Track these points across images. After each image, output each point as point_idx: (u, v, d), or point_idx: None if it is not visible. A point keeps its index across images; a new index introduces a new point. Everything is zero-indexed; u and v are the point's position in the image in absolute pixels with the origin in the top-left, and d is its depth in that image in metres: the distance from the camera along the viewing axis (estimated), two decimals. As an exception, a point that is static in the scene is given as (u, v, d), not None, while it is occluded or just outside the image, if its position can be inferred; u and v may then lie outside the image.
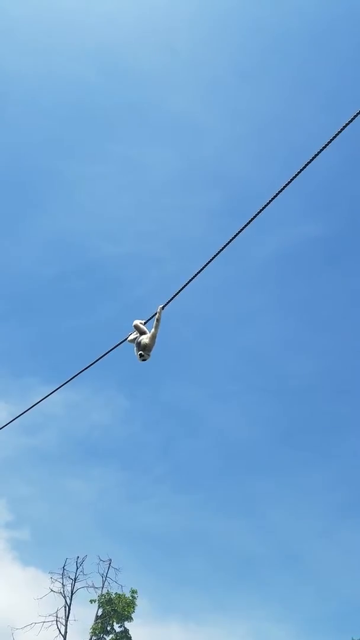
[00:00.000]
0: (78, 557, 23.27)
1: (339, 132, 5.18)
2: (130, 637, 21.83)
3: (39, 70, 40.75)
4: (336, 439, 45.02)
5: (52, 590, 22.43)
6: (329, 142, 5.12)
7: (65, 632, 21.50)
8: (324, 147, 5.16)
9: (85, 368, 7.04)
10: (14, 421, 8.06)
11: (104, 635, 21.75)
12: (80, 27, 39.59)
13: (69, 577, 22.79)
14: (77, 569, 22.97)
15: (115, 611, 21.90)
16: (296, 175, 5.37)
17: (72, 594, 22.45)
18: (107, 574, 22.86)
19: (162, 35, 39.86)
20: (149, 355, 6.79)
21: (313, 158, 5.16)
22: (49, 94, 41.95)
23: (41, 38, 39.35)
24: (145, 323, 7.10)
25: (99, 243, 47.03)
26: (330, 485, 42.16)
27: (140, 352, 6.79)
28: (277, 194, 5.43)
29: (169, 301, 6.56)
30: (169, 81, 41.62)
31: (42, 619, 21.63)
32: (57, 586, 22.56)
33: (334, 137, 5.21)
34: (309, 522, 40.63)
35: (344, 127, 5.16)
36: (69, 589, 22.53)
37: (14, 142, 43.47)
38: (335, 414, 46.14)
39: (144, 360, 6.79)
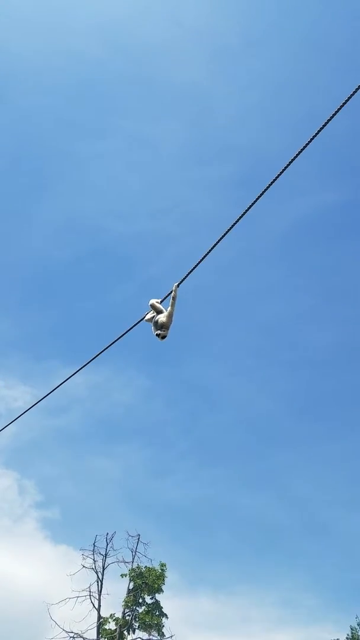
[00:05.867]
0: (107, 533, 23.78)
1: (352, 94, 4.98)
2: (162, 607, 22.39)
3: (41, 49, 40.25)
4: (357, 408, 44.91)
5: (83, 567, 22.99)
6: (342, 106, 4.92)
7: (99, 605, 22.09)
8: (337, 111, 4.97)
9: (104, 349, 7.03)
10: (38, 403, 8.14)
11: (137, 607, 22.32)
12: (81, 2, 38.86)
13: (100, 553, 23.32)
14: (107, 545, 23.47)
15: (146, 584, 22.42)
16: (309, 142, 5.19)
17: (103, 569, 22.98)
18: (136, 548, 23.34)
19: (166, 6, 38.97)
20: (166, 333, 6.75)
21: (326, 123, 4.98)
22: (53, 73, 41.54)
23: (42, 15, 38.75)
24: (161, 302, 7.04)
25: (112, 223, 46.92)
26: (352, 454, 42.26)
27: (158, 331, 6.75)
28: (290, 162, 5.27)
29: (184, 278, 6.48)
30: (175, 53, 40.81)
31: (76, 594, 22.22)
32: (89, 562, 23.12)
33: (347, 100, 5.01)
34: (333, 492, 40.91)
35: (358, 89, 4.96)
36: (100, 564, 23.08)
37: (20, 124, 43.25)
38: (354, 384, 45.98)
39: (162, 338, 6.75)
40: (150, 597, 22.63)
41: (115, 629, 21.60)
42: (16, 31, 38.76)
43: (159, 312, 6.92)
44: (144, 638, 21.70)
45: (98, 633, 21.48)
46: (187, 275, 6.39)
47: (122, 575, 22.96)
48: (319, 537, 38.56)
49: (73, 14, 39.31)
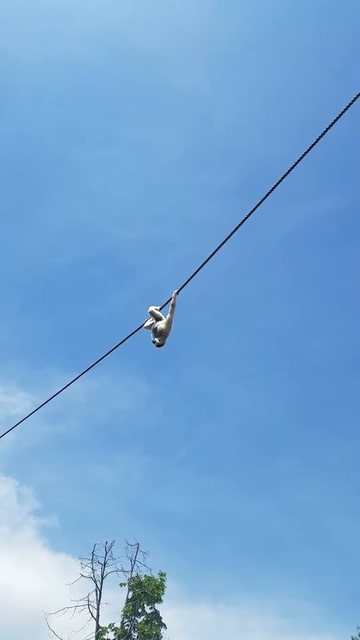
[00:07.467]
0: (106, 542, 23.62)
1: (352, 101, 4.97)
2: (161, 618, 22.18)
3: (43, 57, 40.43)
4: (357, 416, 44.76)
5: (82, 575, 22.83)
6: (342, 113, 4.92)
7: (98, 615, 21.89)
8: (337, 118, 4.96)
9: (104, 356, 7.00)
10: (37, 410, 8.09)
11: (135, 617, 22.12)
12: (82, 9, 39.11)
13: (99, 562, 23.16)
14: (106, 553, 23.32)
15: (145, 594, 22.23)
16: (309, 149, 5.18)
17: (102, 578, 22.81)
18: (135, 557, 23.17)
19: (165, 12, 39.18)
20: (163, 342, 6.72)
21: (326, 130, 4.97)
22: (54, 80, 41.70)
23: (43, 23, 38.96)
24: (160, 309, 7.02)
25: (112, 229, 46.95)
26: (354, 462, 42.01)
27: (155, 339, 6.72)
28: (290, 169, 5.26)
29: (183, 286, 6.46)
30: (175, 59, 40.94)
31: (75, 604, 22.05)
32: (87, 571, 22.95)
33: (347, 107, 5.00)
34: (333, 500, 40.67)
35: (358, 96, 4.95)
36: (99, 573, 22.91)
37: (22, 131, 43.40)
38: (355, 391, 45.85)
39: (159, 346, 6.72)
40: (150, 606, 22.42)
41: (114, 639, 21.39)
42: (16, 38, 39.01)
43: (158, 319, 6.90)
44: (142, 648, 21.51)
45: (96, 643, 21.29)
46: (187, 282, 6.37)
47: (121, 585, 22.80)
48: (320, 546, 38.33)
49: (73, 21, 39.56)
